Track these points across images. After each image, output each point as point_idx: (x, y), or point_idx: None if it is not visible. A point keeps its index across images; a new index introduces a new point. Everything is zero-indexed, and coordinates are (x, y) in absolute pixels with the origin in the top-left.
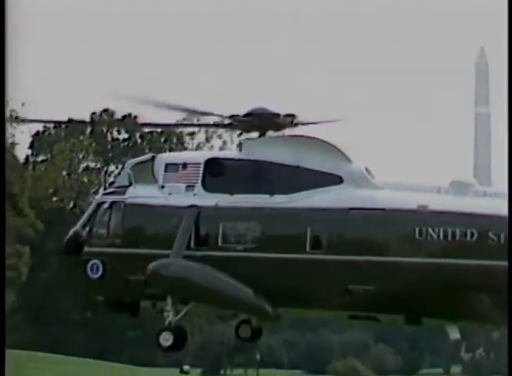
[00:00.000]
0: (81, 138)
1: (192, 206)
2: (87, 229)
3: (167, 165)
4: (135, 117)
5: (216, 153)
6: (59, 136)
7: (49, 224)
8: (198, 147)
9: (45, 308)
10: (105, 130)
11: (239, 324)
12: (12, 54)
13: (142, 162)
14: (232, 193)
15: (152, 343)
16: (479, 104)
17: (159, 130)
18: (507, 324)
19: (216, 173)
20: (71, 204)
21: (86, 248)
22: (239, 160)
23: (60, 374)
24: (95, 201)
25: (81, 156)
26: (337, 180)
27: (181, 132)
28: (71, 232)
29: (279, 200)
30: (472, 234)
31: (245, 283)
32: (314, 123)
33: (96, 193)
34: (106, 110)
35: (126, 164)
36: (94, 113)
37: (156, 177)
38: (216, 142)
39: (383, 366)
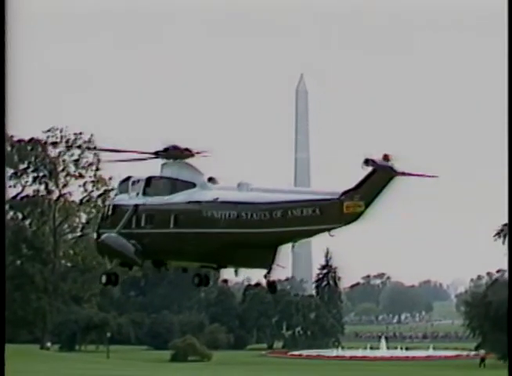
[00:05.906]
0: None
1: (135, 205)
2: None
3: (133, 182)
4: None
5: (153, 174)
6: None
7: None
8: (59, 155)
9: None
10: None
11: (194, 276)
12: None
13: (124, 181)
14: (151, 196)
15: (18, 323)
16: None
17: (26, 139)
18: (507, 325)
19: (148, 185)
20: None
21: (100, 230)
22: (158, 177)
23: None
24: (106, 205)
25: None
26: (193, 186)
27: (45, 142)
28: (98, 222)
29: (165, 199)
30: (237, 214)
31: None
32: (202, 152)
33: None
34: None
35: (118, 183)
36: None
37: (128, 189)
38: (76, 151)
39: (217, 343)
